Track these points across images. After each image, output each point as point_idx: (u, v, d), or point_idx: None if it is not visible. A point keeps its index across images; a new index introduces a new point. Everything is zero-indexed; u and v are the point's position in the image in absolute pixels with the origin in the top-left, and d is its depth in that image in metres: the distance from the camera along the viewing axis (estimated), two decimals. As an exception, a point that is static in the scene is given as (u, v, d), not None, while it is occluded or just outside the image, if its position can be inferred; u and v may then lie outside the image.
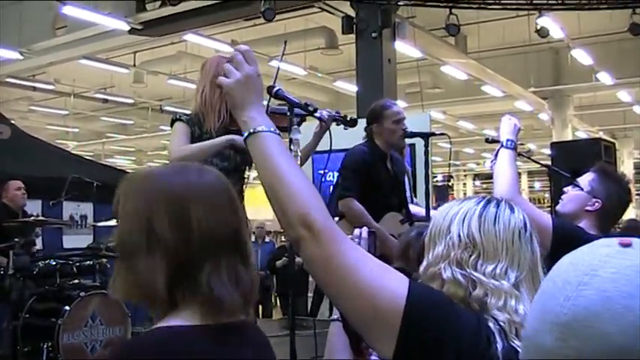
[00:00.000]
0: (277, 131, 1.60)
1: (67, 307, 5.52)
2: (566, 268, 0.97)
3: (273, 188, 1.49)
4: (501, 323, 1.47)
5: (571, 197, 3.26)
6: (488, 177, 41.28)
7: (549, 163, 6.94)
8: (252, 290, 1.49)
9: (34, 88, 19.32)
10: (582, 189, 3.21)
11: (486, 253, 1.57)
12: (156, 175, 1.51)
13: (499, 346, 1.42)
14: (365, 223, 4.35)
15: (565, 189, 3.33)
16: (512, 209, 1.63)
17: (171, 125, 3.87)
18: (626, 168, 25.92)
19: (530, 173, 35.50)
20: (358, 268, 1.45)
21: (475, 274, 1.55)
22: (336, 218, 4.32)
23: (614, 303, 0.88)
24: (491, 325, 1.47)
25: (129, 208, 1.44)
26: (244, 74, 1.61)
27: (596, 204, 3.15)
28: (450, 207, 1.67)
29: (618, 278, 0.90)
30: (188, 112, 3.99)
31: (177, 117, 3.88)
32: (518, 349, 1.41)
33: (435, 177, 22.18)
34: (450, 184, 24.65)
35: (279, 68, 4.08)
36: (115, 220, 1.49)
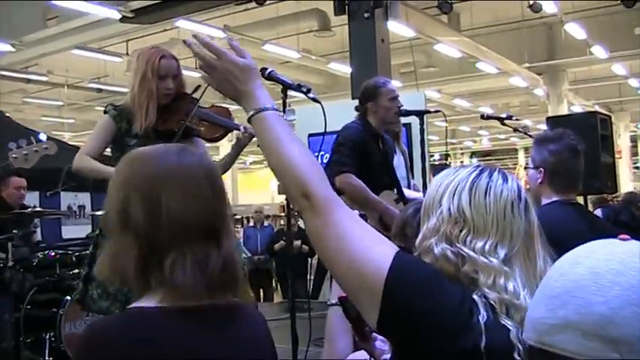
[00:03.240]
0: (276, 108, 1.66)
1: (68, 297, 5.53)
2: (569, 253, 1.03)
3: (277, 165, 1.60)
4: (491, 302, 1.45)
5: (527, 181, 3.26)
6: (485, 154, 41.33)
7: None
8: (227, 273, 1.49)
9: (28, 80, 19.23)
10: (529, 167, 3.22)
11: (476, 228, 1.54)
12: (138, 157, 1.54)
13: (482, 317, 1.41)
14: (366, 198, 4.37)
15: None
16: (505, 179, 1.60)
17: (104, 113, 3.80)
18: (622, 141, 25.95)
19: (527, 149, 35.47)
20: (349, 236, 1.51)
21: (464, 249, 1.52)
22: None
23: (602, 277, 0.94)
24: (476, 297, 1.46)
25: (111, 190, 1.50)
26: (219, 66, 1.71)
27: (541, 173, 3.14)
28: (443, 177, 1.64)
29: (610, 259, 0.96)
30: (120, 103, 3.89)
31: (108, 109, 3.81)
32: (509, 326, 1.42)
33: (432, 156, 22.17)
34: (447, 162, 24.62)
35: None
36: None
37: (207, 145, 3.98)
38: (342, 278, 1.54)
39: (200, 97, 3.79)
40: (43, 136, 4.17)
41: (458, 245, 1.53)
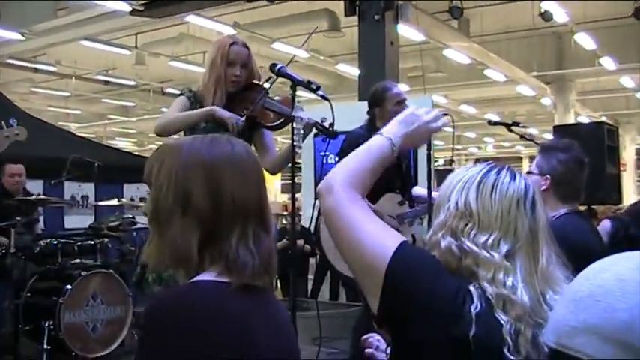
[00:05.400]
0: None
1: (69, 286, 5.55)
2: (596, 263, 1.03)
3: None
4: (488, 295, 1.50)
5: None
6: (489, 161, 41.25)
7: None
8: (272, 257, 1.58)
9: (36, 70, 19.29)
10: (533, 172, 3.21)
11: (481, 222, 1.59)
12: (190, 145, 1.60)
13: (474, 307, 1.45)
14: None
15: None
16: (512, 177, 1.65)
17: (180, 94, 3.94)
18: (628, 154, 25.87)
19: (532, 158, 35.46)
20: (360, 222, 1.63)
21: (467, 243, 1.57)
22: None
23: (627, 284, 0.93)
24: (472, 288, 1.51)
25: (165, 177, 1.55)
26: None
27: (547, 181, 3.14)
28: (455, 175, 1.70)
29: (637, 268, 0.96)
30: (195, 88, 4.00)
31: (183, 90, 3.94)
32: (502, 321, 1.46)
33: (437, 161, 22.13)
34: (451, 167, 24.62)
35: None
36: (147, 189, 1.68)
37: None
38: (349, 260, 1.64)
39: (270, 87, 3.83)
40: (13, 122, 4.16)
41: (462, 239, 1.59)
